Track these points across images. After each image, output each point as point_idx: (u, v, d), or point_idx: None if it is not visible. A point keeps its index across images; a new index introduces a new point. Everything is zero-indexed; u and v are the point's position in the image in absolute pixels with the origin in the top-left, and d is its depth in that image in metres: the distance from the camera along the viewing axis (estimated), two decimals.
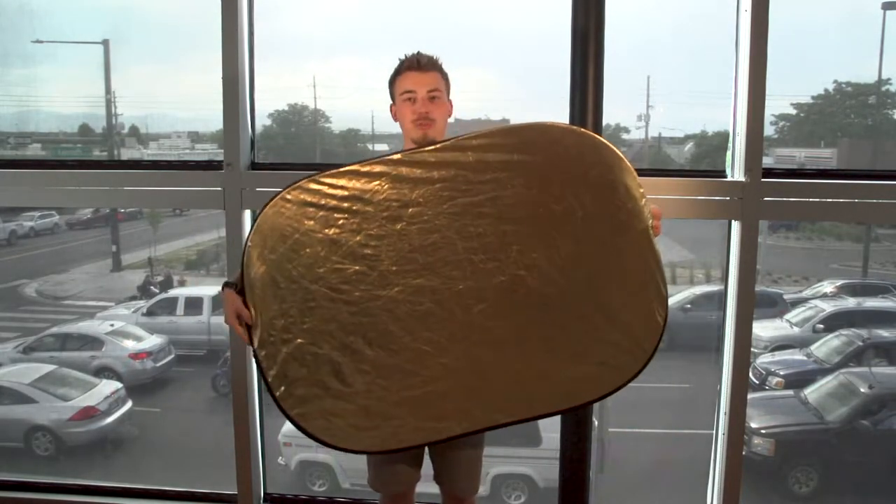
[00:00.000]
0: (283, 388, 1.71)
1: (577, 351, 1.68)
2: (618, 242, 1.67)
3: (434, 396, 1.69)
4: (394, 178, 1.70)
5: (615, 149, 1.69)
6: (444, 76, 1.90)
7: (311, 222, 1.71)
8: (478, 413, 1.71)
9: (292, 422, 1.72)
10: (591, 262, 1.67)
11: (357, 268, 1.69)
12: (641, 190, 1.68)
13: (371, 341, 1.69)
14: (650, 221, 1.68)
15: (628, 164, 1.68)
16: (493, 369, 1.69)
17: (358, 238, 1.70)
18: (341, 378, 1.70)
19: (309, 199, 1.72)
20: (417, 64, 1.86)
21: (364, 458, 1.96)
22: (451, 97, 1.92)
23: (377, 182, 1.70)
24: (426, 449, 1.98)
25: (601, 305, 1.67)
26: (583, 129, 1.75)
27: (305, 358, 1.70)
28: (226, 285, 1.80)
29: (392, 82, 1.91)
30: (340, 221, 1.70)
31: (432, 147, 1.73)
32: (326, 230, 1.71)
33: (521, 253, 1.67)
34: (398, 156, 1.71)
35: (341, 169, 1.73)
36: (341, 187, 1.71)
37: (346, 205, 1.70)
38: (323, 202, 1.71)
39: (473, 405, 1.71)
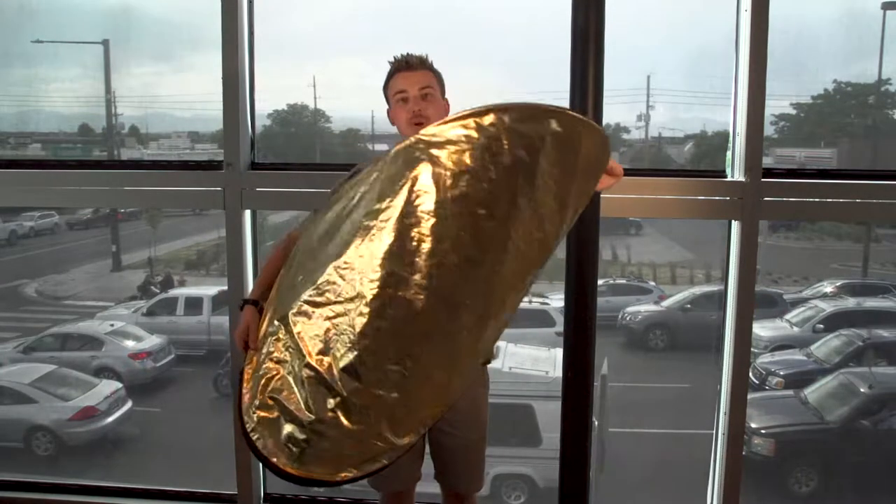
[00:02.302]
0: (254, 422, 1.60)
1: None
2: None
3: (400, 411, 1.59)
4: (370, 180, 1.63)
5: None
6: (436, 74, 1.89)
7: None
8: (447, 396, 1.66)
9: (261, 459, 1.60)
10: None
11: (333, 280, 1.59)
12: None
13: (341, 362, 1.56)
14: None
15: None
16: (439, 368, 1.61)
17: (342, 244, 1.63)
18: (308, 406, 1.57)
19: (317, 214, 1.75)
20: (406, 64, 1.86)
21: None
22: (447, 96, 1.92)
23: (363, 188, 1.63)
24: (427, 447, 1.98)
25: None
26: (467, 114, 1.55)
27: (274, 388, 1.61)
28: (245, 302, 1.77)
29: (385, 87, 1.91)
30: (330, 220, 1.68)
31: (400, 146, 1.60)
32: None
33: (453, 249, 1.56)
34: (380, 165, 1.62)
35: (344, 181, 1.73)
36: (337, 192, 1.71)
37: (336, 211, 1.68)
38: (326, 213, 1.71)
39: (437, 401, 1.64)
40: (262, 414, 1.60)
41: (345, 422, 1.56)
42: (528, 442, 5.62)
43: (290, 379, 1.60)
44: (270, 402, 1.60)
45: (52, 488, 2.99)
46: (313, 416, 1.57)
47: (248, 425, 1.61)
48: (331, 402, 1.56)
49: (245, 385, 1.65)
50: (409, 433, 1.62)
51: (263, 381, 1.62)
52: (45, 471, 6.31)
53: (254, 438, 1.60)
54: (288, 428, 1.58)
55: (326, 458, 1.59)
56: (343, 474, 1.61)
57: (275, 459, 1.58)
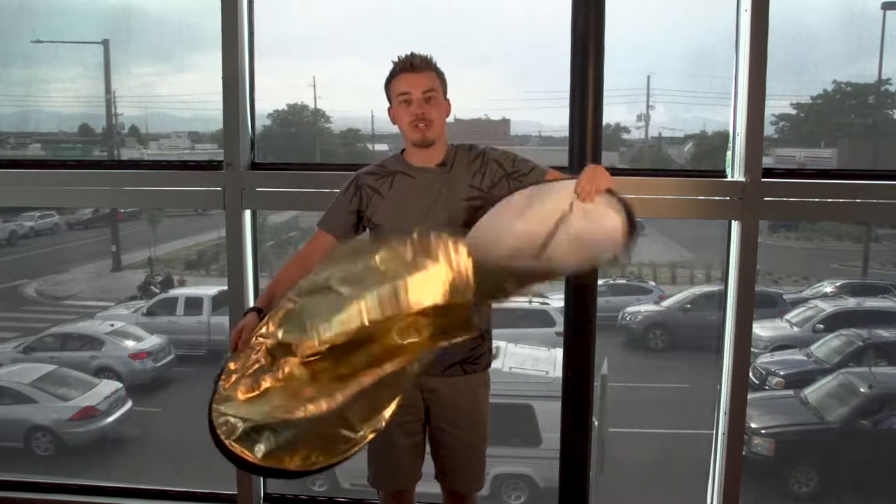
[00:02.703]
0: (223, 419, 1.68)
1: None
2: None
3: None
4: None
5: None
6: (440, 75, 1.87)
7: None
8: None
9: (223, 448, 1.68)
10: None
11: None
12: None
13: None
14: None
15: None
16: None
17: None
18: (280, 405, 1.67)
19: None
20: (411, 65, 1.83)
21: (364, 457, 1.96)
22: (449, 96, 1.90)
23: None
24: (427, 447, 1.98)
25: None
26: None
27: (251, 385, 1.72)
28: (251, 310, 1.83)
29: (387, 85, 1.88)
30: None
31: None
32: None
33: None
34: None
35: None
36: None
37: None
38: None
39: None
40: (230, 412, 1.67)
41: (314, 419, 1.63)
42: (528, 442, 5.62)
43: (270, 378, 1.68)
44: (243, 399, 1.68)
45: (52, 488, 2.99)
46: (285, 415, 1.64)
47: (217, 419, 1.68)
48: (304, 400, 1.64)
49: (221, 382, 1.72)
50: (375, 425, 1.67)
51: (243, 377, 1.70)
52: (45, 471, 6.30)
53: (219, 429, 1.66)
54: (256, 422, 1.65)
55: (294, 450, 1.64)
56: (307, 465, 1.65)
57: (236, 449, 1.64)
